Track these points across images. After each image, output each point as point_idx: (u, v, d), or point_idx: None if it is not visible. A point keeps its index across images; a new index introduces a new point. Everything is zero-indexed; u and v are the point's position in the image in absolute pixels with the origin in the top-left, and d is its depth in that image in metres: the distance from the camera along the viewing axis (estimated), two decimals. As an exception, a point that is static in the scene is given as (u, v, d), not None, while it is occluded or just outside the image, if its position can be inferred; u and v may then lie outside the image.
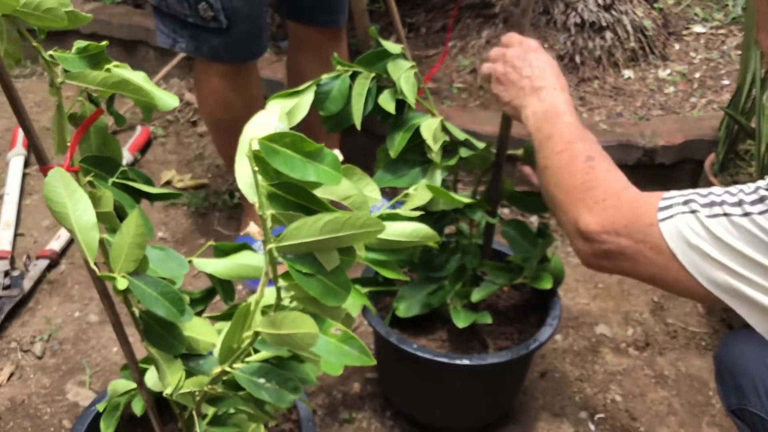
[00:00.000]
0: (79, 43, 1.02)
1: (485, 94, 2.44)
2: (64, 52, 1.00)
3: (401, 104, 1.36)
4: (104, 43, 1.06)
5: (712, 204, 0.82)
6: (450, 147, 1.43)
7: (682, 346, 1.80)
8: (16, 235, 2.13)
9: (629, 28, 2.55)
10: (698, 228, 0.81)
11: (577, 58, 2.51)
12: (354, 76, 1.33)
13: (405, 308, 1.50)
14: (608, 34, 2.53)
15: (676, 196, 0.87)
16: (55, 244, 2.06)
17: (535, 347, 1.45)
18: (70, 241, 2.11)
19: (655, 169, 2.19)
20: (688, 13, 2.90)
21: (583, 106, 2.39)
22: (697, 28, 2.79)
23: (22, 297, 1.90)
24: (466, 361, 1.42)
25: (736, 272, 0.79)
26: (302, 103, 1.24)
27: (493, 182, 1.43)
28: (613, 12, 2.55)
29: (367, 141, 2.30)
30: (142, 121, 2.60)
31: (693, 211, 0.82)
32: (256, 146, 0.75)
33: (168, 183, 2.33)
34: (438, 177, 1.39)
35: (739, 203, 0.79)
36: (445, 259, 1.51)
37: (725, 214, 0.79)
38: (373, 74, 1.34)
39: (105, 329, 1.85)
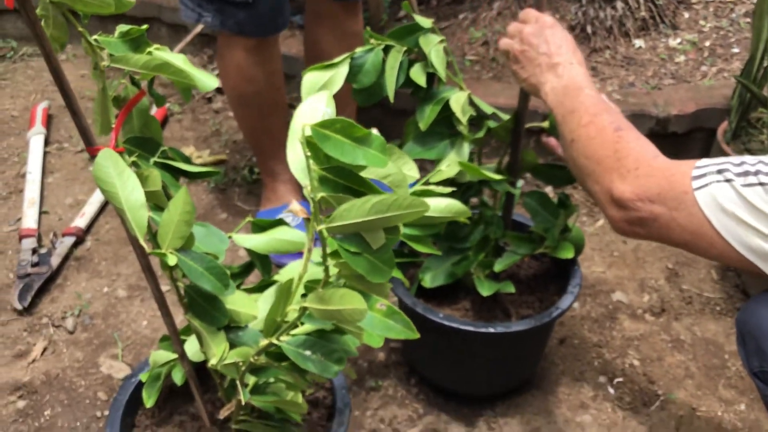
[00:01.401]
0: (122, 27, 1.05)
1: (498, 66, 2.46)
2: (108, 36, 1.04)
3: (431, 78, 1.39)
4: (145, 26, 1.09)
5: (746, 173, 0.85)
6: (475, 120, 1.46)
7: (697, 311, 1.85)
8: (40, 213, 2.17)
9: (640, -3, 2.56)
10: (733, 196, 0.85)
11: (589, 29, 2.52)
12: (387, 50, 1.36)
13: (430, 279, 1.55)
14: (619, 4, 2.54)
15: (709, 164, 0.90)
16: (80, 221, 2.10)
17: (557, 314, 1.49)
18: (95, 218, 2.15)
19: (668, 138, 2.22)
20: (698, -20, 2.90)
21: (596, 76, 2.41)
22: (707, -4, 2.80)
23: (50, 274, 1.95)
24: (490, 330, 1.47)
25: None
26: (337, 75, 1.28)
27: (513, 154, 1.47)
28: (624, -19, 2.56)
29: (382, 115, 2.33)
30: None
31: (728, 180, 0.86)
32: (308, 132, 0.78)
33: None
34: (466, 150, 1.43)
35: None
36: (468, 230, 1.55)
37: (760, 183, 0.83)
38: (405, 48, 1.36)
39: (133, 303, 1.90)
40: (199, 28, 2.73)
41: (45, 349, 1.78)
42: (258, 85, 1.93)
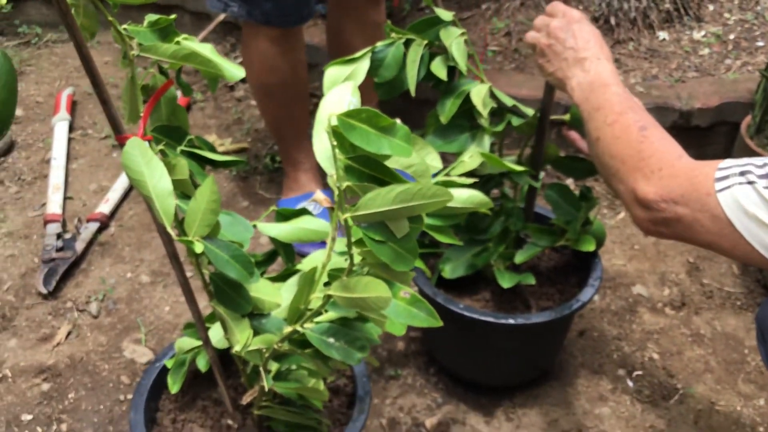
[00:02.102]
0: (151, 17, 1.07)
1: (520, 56, 2.46)
2: (137, 25, 1.05)
3: (452, 71, 1.39)
4: (173, 16, 1.10)
5: None
6: (496, 111, 1.46)
7: (717, 305, 1.85)
8: (65, 198, 2.20)
9: (665, -11, 2.54)
10: (756, 198, 0.85)
11: (612, 20, 2.51)
12: (407, 44, 1.36)
13: (451, 269, 1.55)
14: (643, -5, 2.53)
15: (732, 166, 0.90)
16: (105, 207, 2.13)
17: (577, 307, 1.50)
18: (119, 204, 2.18)
19: (691, 131, 2.21)
20: (724, -28, 2.88)
21: (619, 68, 2.40)
22: (732, -12, 2.77)
23: (75, 259, 1.98)
24: (510, 321, 1.47)
25: None
26: (359, 69, 1.29)
27: (537, 147, 1.47)
28: (649, -27, 2.54)
29: (405, 104, 2.33)
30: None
31: (750, 182, 0.86)
32: (334, 122, 0.79)
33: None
34: (487, 142, 1.43)
35: None
36: (489, 222, 1.56)
37: None
38: (425, 41, 1.37)
39: (156, 289, 1.92)
40: (221, 16, 2.75)
41: (69, 333, 1.81)
42: (282, 75, 1.94)
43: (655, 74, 2.37)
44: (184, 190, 1.07)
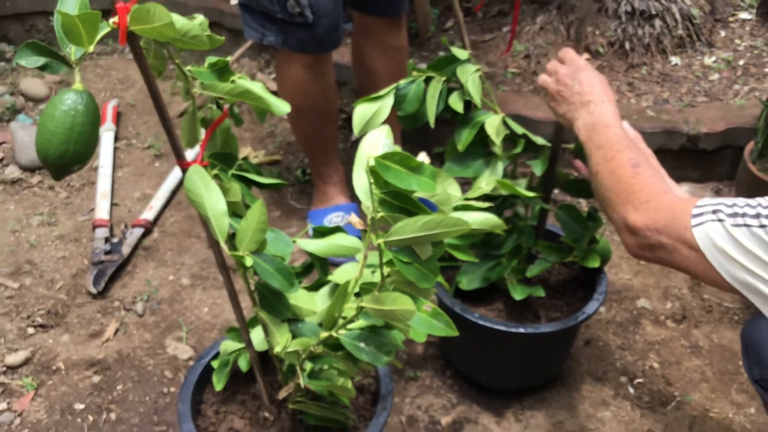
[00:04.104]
0: (210, 59, 1.23)
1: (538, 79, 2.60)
2: (199, 67, 1.21)
3: (468, 104, 1.55)
4: (228, 57, 1.27)
5: (735, 215, 0.99)
6: (510, 137, 1.61)
7: (716, 319, 1.98)
8: (111, 204, 2.37)
9: (677, 16, 2.68)
10: (724, 234, 0.99)
11: (627, 45, 2.65)
12: (427, 81, 1.52)
13: (467, 282, 1.70)
14: (657, 22, 2.66)
15: (706, 204, 1.04)
16: (149, 214, 2.30)
17: (582, 319, 1.64)
18: (161, 211, 2.35)
19: (697, 154, 2.34)
20: (736, -1, 3.00)
21: (632, 92, 2.54)
22: (743, 15, 2.90)
23: (121, 261, 2.15)
24: (521, 330, 1.62)
25: (753, 272, 0.97)
26: (384, 106, 1.46)
27: (548, 173, 1.61)
28: (663, 1, 2.67)
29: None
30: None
31: (720, 220, 1.00)
32: (372, 163, 0.94)
33: (245, 158, 2.54)
34: (500, 168, 1.58)
35: (757, 216, 0.96)
36: (503, 239, 1.70)
37: (746, 225, 0.97)
38: (444, 78, 1.52)
39: (196, 291, 2.09)
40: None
41: (117, 330, 1.98)
42: (313, 98, 2.09)
43: (666, 98, 2.51)
44: (235, 210, 1.23)
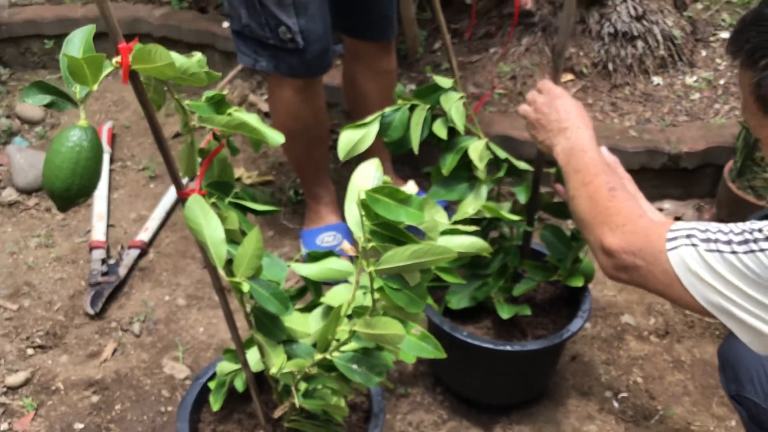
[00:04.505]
0: (208, 93, 1.29)
1: (524, 99, 2.66)
2: (196, 101, 1.27)
3: (452, 130, 1.61)
4: (225, 92, 1.32)
5: (708, 240, 1.04)
6: (493, 162, 1.67)
7: (698, 334, 2.04)
8: (108, 226, 2.41)
9: (659, 37, 2.75)
10: (697, 258, 1.04)
11: (610, 66, 2.72)
12: (412, 108, 1.58)
13: (456, 301, 1.76)
14: (639, 43, 2.73)
15: (681, 228, 1.09)
16: (144, 235, 2.35)
17: (567, 336, 1.70)
18: (157, 232, 2.39)
19: (679, 172, 2.41)
20: (716, 19, 3.08)
21: (615, 112, 2.60)
22: (724, 35, 2.97)
23: (118, 282, 2.19)
24: (508, 348, 1.68)
25: (726, 296, 1.02)
26: (369, 133, 1.52)
27: (532, 196, 1.68)
28: (645, 22, 2.74)
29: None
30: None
31: (693, 245, 1.05)
32: (363, 196, 1.00)
33: (238, 179, 2.60)
34: (484, 191, 1.64)
35: (729, 242, 1.02)
36: (489, 259, 1.76)
37: (718, 250, 1.02)
38: (428, 106, 1.59)
39: (191, 311, 2.14)
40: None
41: (115, 351, 2.02)
42: (304, 121, 2.15)
43: (648, 118, 2.58)
44: (232, 237, 1.29)
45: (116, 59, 1.04)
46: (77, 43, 1.11)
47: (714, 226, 1.06)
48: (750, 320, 1.01)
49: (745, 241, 0.99)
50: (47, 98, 1.08)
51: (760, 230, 0.98)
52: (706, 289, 1.04)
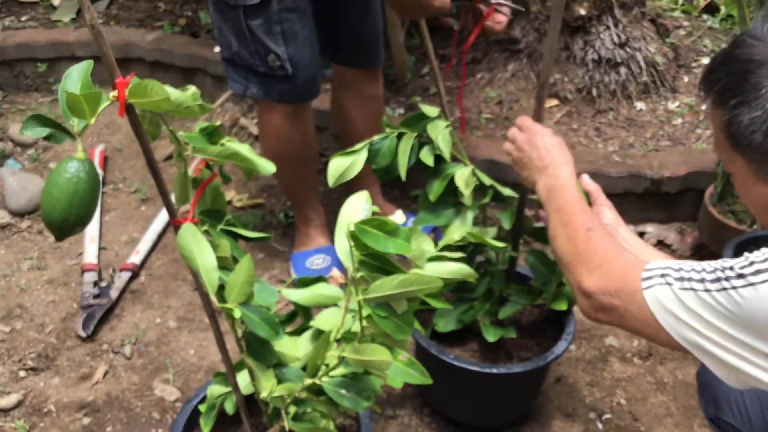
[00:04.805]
0: (201, 125, 1.32)
1: (510, 124, 2.71)
2: (190, 132, 1.30)
3: (438, 157, 1.65)
4: (218, 123, 1.36)
5: (682, 279, 1.07)
6: (479, 188, 1.72)
7: (680, 356, 2.08)
8: (99, 248, 2.44)
9: (642, 63, 2.81)
10: (672, 297, 1.07)
11: (594, 91, 2.78)
12: (400, 136, 1.62)
13: (443, 324, 1.80)
14: (623, 69, 2.79)
15: (655, 268, 1.11)
16: (136, 258, 2.37)
17: (552, 359, 1.74)
18: (148, 255, 2.42)
19: (661, 196, 2.46)
20: (698, 45, 3.15)
21: (599, 137, 2.66)
22: (706, 60, 3.04)
23: (110, 305, 2.22)
24: (494, 370, 1.71)
25: (701, 333, 1.04)
26: (358, 160, 1.57)
27: (516, 223, 1.72)
28: (628, 49, 2.81)
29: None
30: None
31: (668, 284, 1.07)
32: (352, 228, 1.04)
33: (229, 202, 2.64)
34: (470, 217, 1.69)
35: (702, 281, 1.04)
36: (475, 283, 1.80)
37: (692, 289, 1.05)
38: (415, 134, 1.63)
39: (182, 334, 2.16)
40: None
41: (106, 373, 2.04)
42: (294, 146, 2.19)
43: (631, 143, 2.63)
44: (224, 264, 1.32)
45: (113, 93, 1.07)
46: (75, 79, 1.14)
47: (687, 264, 1.08)
48: (725, 356, 1.03)
49: (718, 279, 1.01)
50: (45, 131, 1.11)
51: (731, 268, 1.01)
52: (681, 327, 1.06)
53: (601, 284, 1.17)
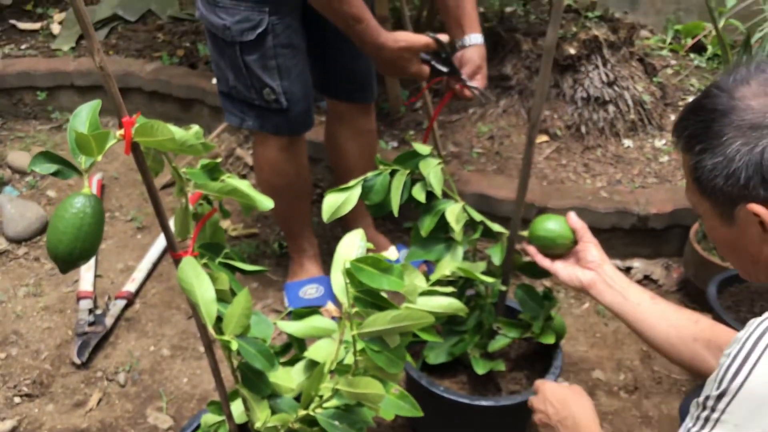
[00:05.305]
0: (203, 161, 1.37)
1: (501, 159, 2.77)
2: (192, 168, 1.35)
3: (430, 193, 1.70)
4: (219, 159, 1.41)
5: None
6: (469, 223, 1.76)
7: (665, 390, 2.12)
8: (95, 276, 2.47)
9: (630, 102, 2.89)
10: None
11: (583, 128, 2.84)
12: (393, 173, 1.68)
13: (434, 356, 1.84)
14: (611, 108, 2.87)
15: None
16: (131, 286, 2.41)
17: (539, 392, 1.77)
18: (143, 283, 2.46)
19: (648, 232, 2.52)
20: (685, 84, 3.24)
21: (587, 173, 2.72)
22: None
23: (105, 332, 2.25)
24: (483, 402, 1.75)
25: None
26: (352, 196, 1.62)
27: (507, 257, 1.77)
28: (616, 87, 2.88)
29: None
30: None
31: None
32: (348, 265, 1.08)
33: (224, 231, 2.67)
34: (460, 252, 1.73)
35: None
36: (466, 316, 1.84)
37: None
38: (407, 171, 1.68)
39: (176, 362, 2.19)
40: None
41: (100, 400, 2.07)
42: (288, 177, 2.25)
43: (619, 179, 2.69)
44: (222, 297, 1.36)
45: (119, 132, 1.11)
46: (84, 118, 1.18)
47: None
48: None
49: (705, 420, 1.01)
50: (53, 167, 1.15)
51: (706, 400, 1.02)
52: None
53: None
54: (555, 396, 1.51)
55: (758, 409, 0.97)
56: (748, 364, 0.97)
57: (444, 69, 1.90)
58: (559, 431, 1.48)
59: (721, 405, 0.99)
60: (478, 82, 1.98)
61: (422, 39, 1.85)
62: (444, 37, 1.88)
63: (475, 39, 2.00)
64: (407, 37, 1.85)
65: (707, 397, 1.01)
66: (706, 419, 1.01)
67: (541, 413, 1.54)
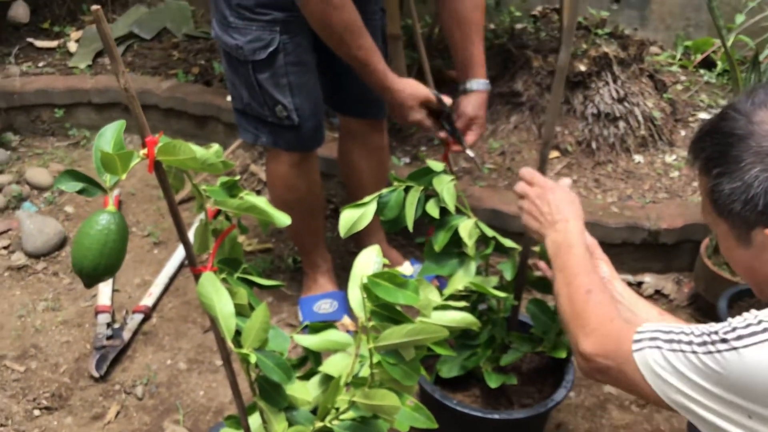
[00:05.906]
0: (222, 179, 1.40)
1: (513, 174, 2.80)
2: (212, 186, 1.38)
3: (443, 209, 1.73)
4: (237, 177, 1.45)
5: (671, 341, 1.12)
6: (482, 239, 1.79)
7: (676, 404, 2.14)
8: (113, 291, 2.51)
9: (640, 118, 2.91)
10: (660, 359, 1.12)
11: (594, 144, 2.87)
12: (407, 189, 1.71)
13: (447, 370, 1.86)
14: (621, 123, 2.89)
15: (646, 330, 1.17)
16: (148, 300, 2.44)
17: (552, 406, 1.79)
18: (160, 298, 2.49)
19: (658, 247, 2.54)
20: (695, 100, 3.26)
21: (598, 188, 2.74)
22: (702, 115, 3.15)
23: (123, 346, 2.28)
24: (496, 416, 1.77)
25: (687, 394, 1.09)
26: (367, 212, 1.65)
27: (519, 274, 1.79)
28: (626, 104, 2.91)
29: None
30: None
31: (657, 347, 1.13)
32: (365, 280, 1.11)
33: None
34: (473, 267, 1.76)
35: (690, 343, 1.09)
36: (478, 330, 1.87)
37: (681, 351, 1.10)
38: (421, 187, 1.72)
39: (192, 375, 2.22)
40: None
41: (118, 413, 2.10)
42: (300, 193, 2.28)
43: (629, 194, 2.72)
44: (240, 311, 1.39)
45: (143, 151, 1.15)
46: (109, 138, 1.22)
47: (677, 327, 1.14)
48: (709, 417, 1.08)
49: (704, 343, 1.07)
50: (79, 185, 1.19)
51: (716, 332, 1.06)
52: (668, 388, 1.11)
53: (596, 347, 1.23)
54: (555, 197, 1.49)
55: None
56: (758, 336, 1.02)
57: (446, 126, 1.99)
58: (542, 230, 1.49)
59: (723, 347, 1.05)
60: (474, 133, 2.05)
61: (425, 92, 1.94)
62: (447, 100, 1.95)
63: (477, 85, 2.06)
64: (411, 87, 1.94)
65: (716, 332, 1.06)
66: (707, 343, 1.07)
67: (532, 206, 1.52)
